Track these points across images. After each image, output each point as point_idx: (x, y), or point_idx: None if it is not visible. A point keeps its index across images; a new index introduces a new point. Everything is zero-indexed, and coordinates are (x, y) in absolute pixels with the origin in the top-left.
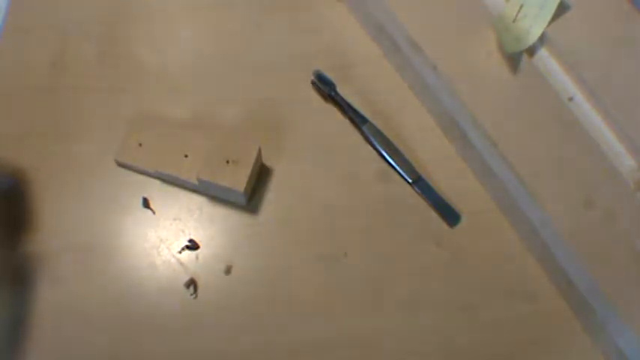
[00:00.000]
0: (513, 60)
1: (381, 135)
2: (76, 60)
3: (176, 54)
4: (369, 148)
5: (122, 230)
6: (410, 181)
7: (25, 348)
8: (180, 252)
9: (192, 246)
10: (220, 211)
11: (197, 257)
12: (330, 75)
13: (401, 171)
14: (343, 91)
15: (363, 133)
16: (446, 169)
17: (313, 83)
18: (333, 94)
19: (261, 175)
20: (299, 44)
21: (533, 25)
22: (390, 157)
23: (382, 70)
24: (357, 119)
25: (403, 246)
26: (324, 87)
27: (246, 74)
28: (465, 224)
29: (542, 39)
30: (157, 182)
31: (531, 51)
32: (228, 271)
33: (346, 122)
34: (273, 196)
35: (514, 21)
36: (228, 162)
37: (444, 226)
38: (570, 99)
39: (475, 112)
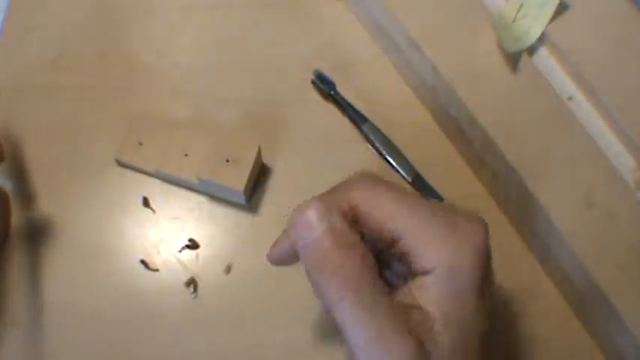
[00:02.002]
0: (513, 59)
1: (380, 134)
2: (76, 60)
3: (176, 53)
4: (369, 147)
5: (122, 229)
6: (409, 180)
7: (22, 346)
8: (180, 251)
9: (192, 245)
10: (220, 211)
11: (197, 256)
12: (329, 74)
13: (400, 170)
14: (343, 90)
15: (362, 132)
16: (446, 168)
17: (313, 82)
18: (332, 93)
19: (261, 175)
20: (298, 43)
21: (533, 24)
22: (389, 156)
23: (382, 69)
24: (356, 118)
25: None
26: (324, 86)
27: (246, 73)
28: None
29: (542, 38)
30: (157, 181)
31: (531, 50)
32: (228, 270)
33: (346, 121)
34: (273, 195)
35: (514, 20)
36: (228, 161)
37: None
38: (570, 98)
39: (474, 111)
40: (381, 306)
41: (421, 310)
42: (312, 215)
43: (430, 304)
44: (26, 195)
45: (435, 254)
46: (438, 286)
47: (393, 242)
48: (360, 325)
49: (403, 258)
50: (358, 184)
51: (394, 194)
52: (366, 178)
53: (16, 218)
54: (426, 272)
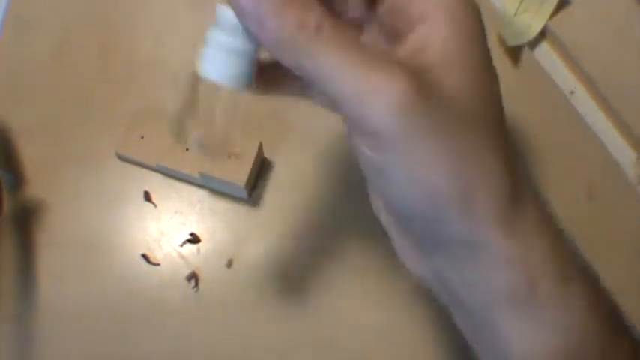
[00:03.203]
0: (514, 53)
1: None
2: (78, 54)
3: (177, 47)
4: None
5: (123, 224)
6: None
7: (24, 342)
8: (181, 245)
9: (194, 239)
10: (221, 205)
11: (198, 251)
12: None
13: None
14: None
15: None
16: None
17: None
18: None
19: (262, 169)
20: None
21: (535, 18)
22: None
23: None
24: None
25: None
26: None
27: None
28: None
29: (544, 32)
30: (159, 176)
31: (533, 44)
32: (229, 264)
33: None
34: (274, 190)
35: (515, 14)
36: (229, 156)
37: None
38: (572, 92)
39: None
40: (356, 43)
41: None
42: None
43: (428, 51)
44: (24, 188)
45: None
46: (437, 29)
47: None
48: (337, 65)
49: (390, 14)
50: None
51: None
52: None
53: (15, 212)
54: (422, 18)
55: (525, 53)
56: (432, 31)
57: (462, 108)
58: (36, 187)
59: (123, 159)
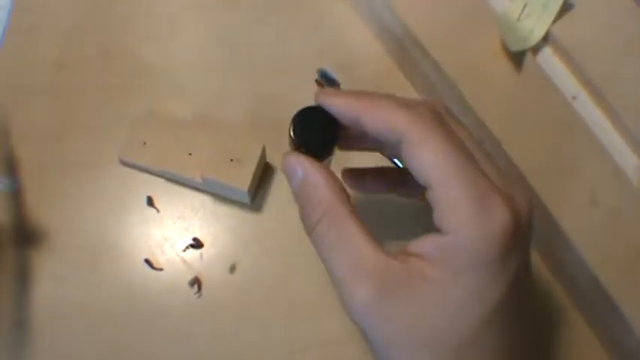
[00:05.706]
0: (517, 59)
1: None
2: (80, 59)
3: (180, 52)
4: None
5: (126, 229)
6: None
7: (27, 347)
8: (184, 250)
9: (197, 244)
10: (224, 210)
11: (201, 256)
12: (334, 74)
13: (401, 164)
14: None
15: None
16: None
17: (317, 82)
18: None
19: (265, 174)
20: (302, 43)
21: (537, 23)
22: None
23: (386, 69)
24: None
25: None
26: (329, 85)
27: (250, 72)
28: None
29: (547, 37)
30: (161, 181)
31: (535, 50)
32: (232, 269)
33: None
34: (277, 194)
35: (518, 20)
36: (232, 160)
37: None
38: (574, 97)
39: (478, 111)
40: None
41: (420, 259)
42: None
43: (436, 265)
44: (26, 193)
45: (459, 220)
46: (447, 254)
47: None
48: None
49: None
50: (421, 114)
51: (445, 142)
52: (432, 110)
53: (18, 219)
54: (444, 232)
55: (528, 58)
56: (445, 251)
57: None
58: (38, 193)
59: (126, 164)
